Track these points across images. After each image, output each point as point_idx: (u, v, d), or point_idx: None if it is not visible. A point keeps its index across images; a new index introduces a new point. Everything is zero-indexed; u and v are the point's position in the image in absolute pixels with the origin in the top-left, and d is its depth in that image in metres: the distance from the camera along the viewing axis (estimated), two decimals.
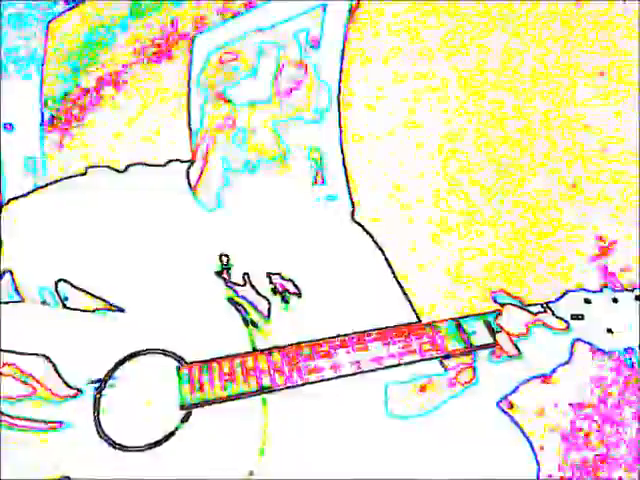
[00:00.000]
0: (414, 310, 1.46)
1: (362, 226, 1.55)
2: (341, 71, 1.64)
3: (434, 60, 1.67)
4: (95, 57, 1.66)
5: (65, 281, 1.38)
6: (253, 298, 1.37)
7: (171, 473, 1.25)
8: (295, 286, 1.37)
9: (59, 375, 1.27)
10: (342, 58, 1.66)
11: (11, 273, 1.40)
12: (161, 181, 1.49)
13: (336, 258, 1.44)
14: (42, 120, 1.58)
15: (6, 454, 1.24)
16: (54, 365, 1.27)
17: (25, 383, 1.25)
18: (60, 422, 1.25)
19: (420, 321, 1.43)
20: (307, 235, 1.46)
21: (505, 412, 1.36)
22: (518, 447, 1.35)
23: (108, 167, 1.53)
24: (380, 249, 1.51)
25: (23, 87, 1.60)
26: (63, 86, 1.65)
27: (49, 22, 1.68)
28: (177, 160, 1.52)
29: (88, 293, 1.38)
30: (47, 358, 1.27)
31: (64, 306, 1.38)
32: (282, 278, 1.37)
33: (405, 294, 1.47)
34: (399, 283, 1.48)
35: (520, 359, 1.25)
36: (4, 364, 1.25)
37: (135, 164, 1.54)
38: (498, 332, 1.26)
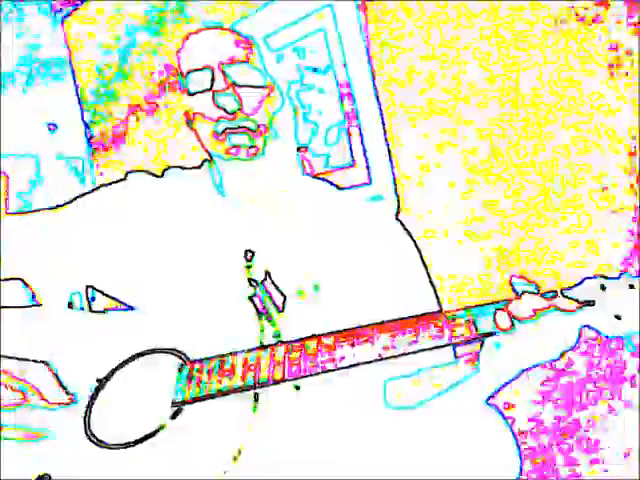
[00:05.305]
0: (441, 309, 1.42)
1: (404, 225, 1.52)
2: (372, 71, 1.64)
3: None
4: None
5: (95, 287, 1.40)
6: (272, 292, 1.36)
7: (155, 469, 1.24)
8: (283, 298, 1.36)
9: (58, 381, 1.27)
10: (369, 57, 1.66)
11: (23, 281, 1.40)
12: (197, 183, 1.50)
13: (374, 257, 1.42)
14: (85, 123, 1.60)
15: (6, 454, 1.25)
16: (54, 371, 1.27)
17: (16, 390, 1.25)
18: (44, 430, 1.25)
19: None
20: (351, 234, 1.44)
21: (497, 408, 1.33)
22: (503, 443, 1.32)
23: (147, 172, 1.54)
24: (418, 249, 1.47)
25: (59, 88, 1.59)
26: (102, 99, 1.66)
27: (62, 20, 1.62)
28: (207, 160, 1.51)
29: (115, 299, 1.39)
30: (47, 364, 1.27)
31: (90, 309, 1.40)
32: (273, 284, 1.37)
33: (437, 296, 1.44)
34: (432, 285, 1.44)
35: (510, 332, 1.22)
36: None
37: (171, 167, 1.54)
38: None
